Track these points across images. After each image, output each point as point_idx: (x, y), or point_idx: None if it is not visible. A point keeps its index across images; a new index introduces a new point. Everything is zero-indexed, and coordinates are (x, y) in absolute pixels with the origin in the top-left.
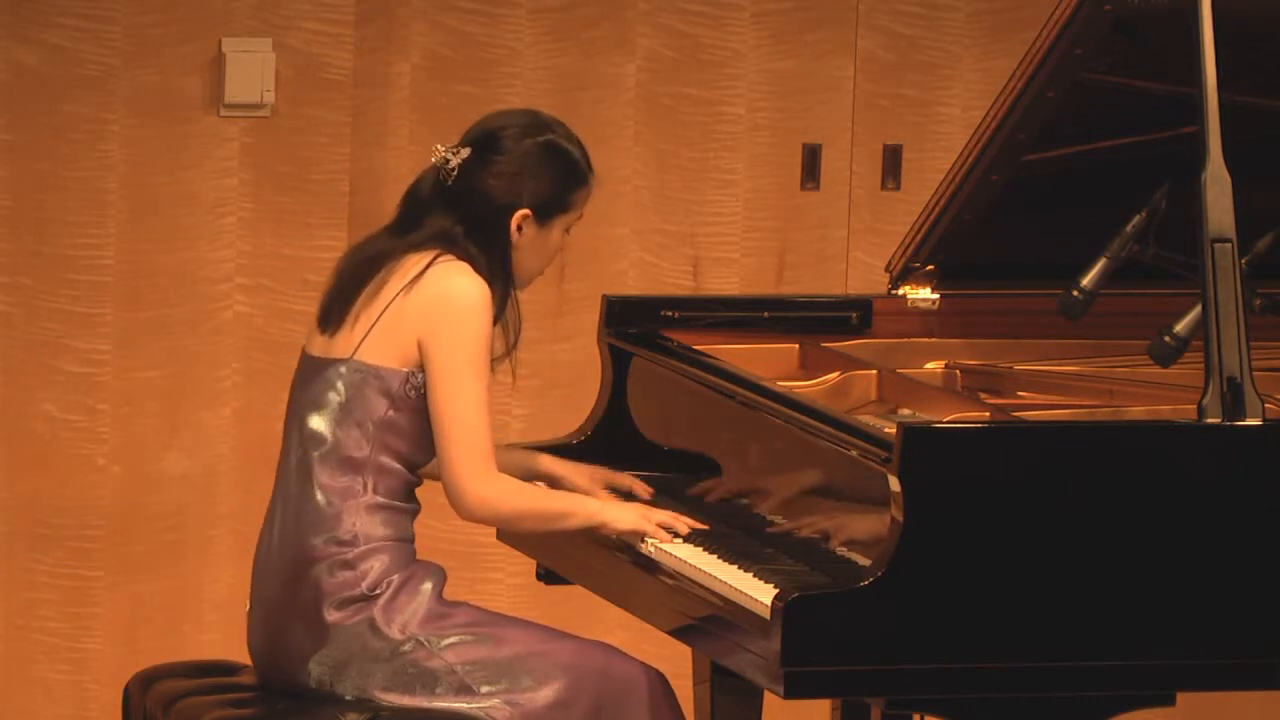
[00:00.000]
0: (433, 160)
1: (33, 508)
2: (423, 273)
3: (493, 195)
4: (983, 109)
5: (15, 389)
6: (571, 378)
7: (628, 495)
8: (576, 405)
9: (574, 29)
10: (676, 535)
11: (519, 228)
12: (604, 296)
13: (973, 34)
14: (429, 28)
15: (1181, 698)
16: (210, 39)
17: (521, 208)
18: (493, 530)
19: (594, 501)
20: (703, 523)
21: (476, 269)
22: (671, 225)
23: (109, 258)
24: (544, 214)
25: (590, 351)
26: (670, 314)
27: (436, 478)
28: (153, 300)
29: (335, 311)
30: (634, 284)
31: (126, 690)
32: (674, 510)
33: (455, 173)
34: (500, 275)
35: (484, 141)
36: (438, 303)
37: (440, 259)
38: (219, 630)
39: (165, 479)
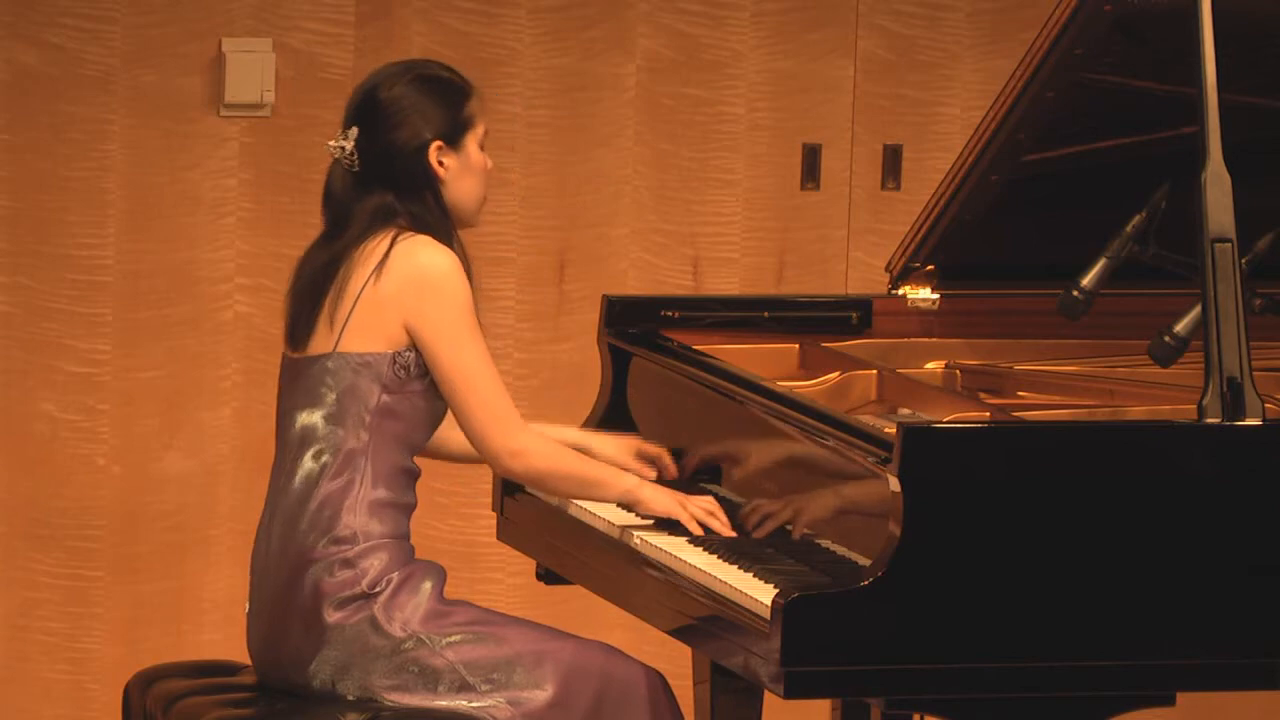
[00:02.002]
0: (332, 155)
1: (33, 508)
2: (386, 255)
3: (401, 145)
4: (983, 109)
5: (15, 389)
6: (571, 378)
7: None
8: (576, 405)
9: (574, 29)
10: (709, 530)
11: (439, 162)
12: (604, 296)
13: (973, 34)
14: (429, 28)
15: (1181, 698)
16: (210, 39)
17: (431, 141)
18: (493, 530)
19: (631, 477)
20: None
21: (432, 231)
22: (671, 225)
23: (109, 258)
24: (451, 136)
25: (590, 351)
26: (670, 314)
27: (446, 457)
28: (153, 300)
29: (304, 323)
30: (634, 284)
31: (126, 690)
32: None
33: (356, 154)
34: (443, 220)
35: (364, 110)
36: (413, 283)
37: (400, 238)
38: (219, 630)
39: (165, 479)
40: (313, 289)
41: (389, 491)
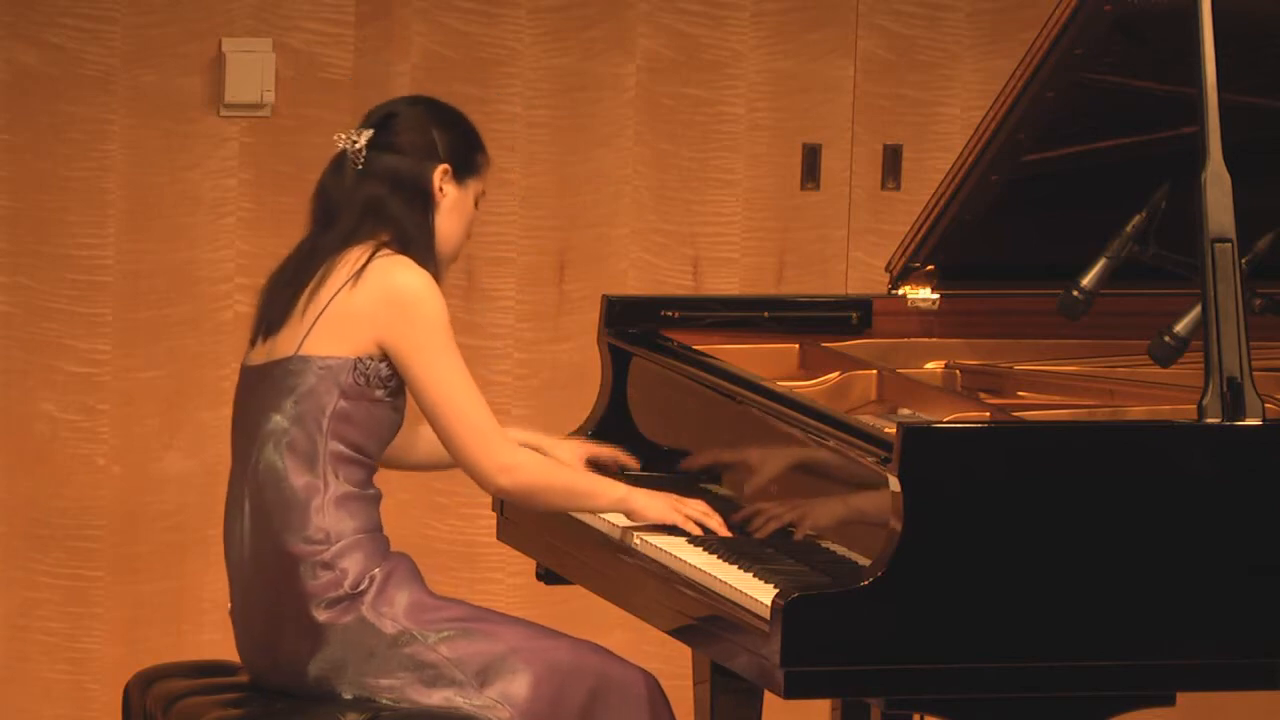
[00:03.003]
0: (340, 146)
1: (33, 508)
2: (365, 266)
3: (410, 149)
4: (983, 109)
5: (15, 389)
6: (571, 378)
7: (617, 471)
8: (576, 405)
9: (574, 29)
10: (708, 531)
11: (440, 188)
12: (604, 296)
13: (973, 34)
14: (429, 28)
15: (1181, 698)
16: (210, 39)
17: (440, 163)
18: (493, 530)
19: (622, 486)
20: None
21: (414, 247)
22: (671, 225)
23: (109, 258)
24: (460, 170)
25: (590, 351)
26: (670, 314)
27: (426, 468)
28: (153, 300)
29: (276, 317)
30: (634, 284)
31: (126, 690)
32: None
33: (363, 153)
34: (428, 237)
35: (385, 118)
36: (388, 302)
37: (380, 253)
38: (219, 630)
39: (165, 479)
40: (294, 279)
41: (351, 486)
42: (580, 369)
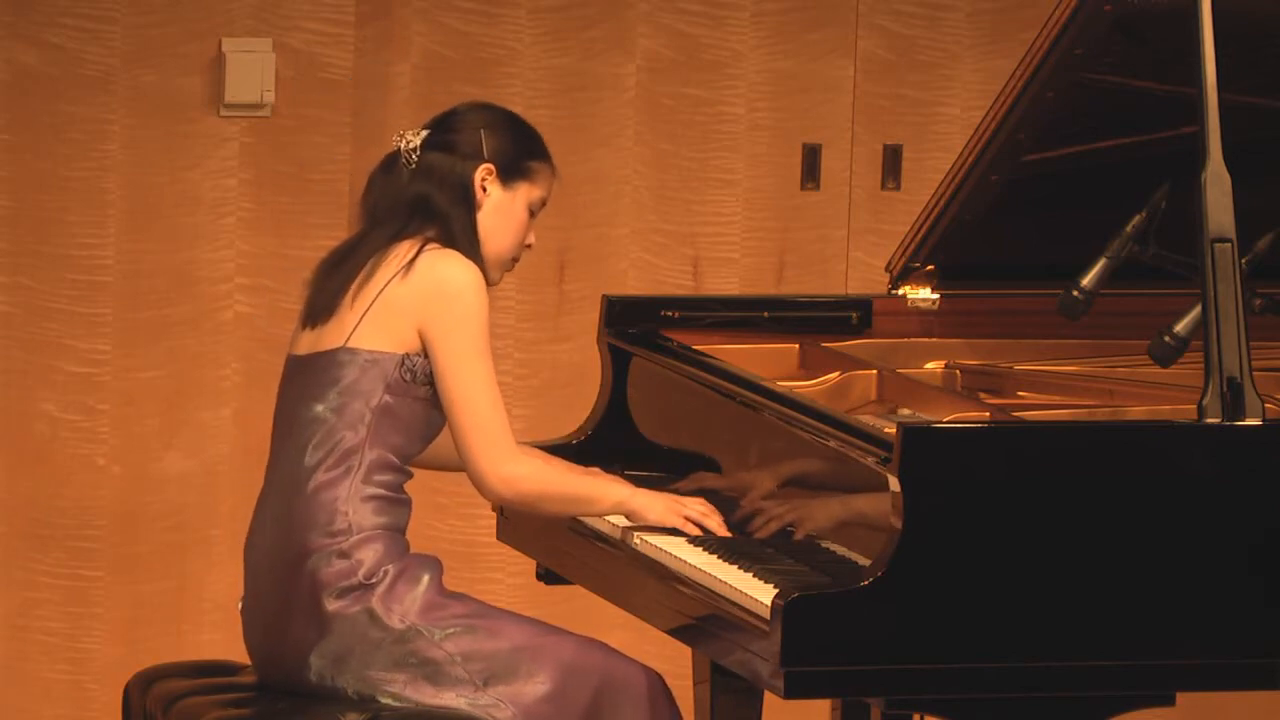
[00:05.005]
0: (395, 145)
1: (33, 508)
2: (414, 259)
3: (457, 148)
4: (983, 109)
5: (15, 389)
6: (571, 378)
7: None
8: (576, 405)
9: (574, 29)
10: (707, 531)
11: (483, 186)
12: (604, 296)
13: (973, 34)
14: (429, 28)
15: (1181, 698)
16: (210, 39)
17: (484, 161)
18: (493, 530)
19: (623, 488)
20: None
21: (458, 248)
22: (671, 225)
23: (109, 258)
24: (507, 171)
25: (590, 351)
26: (670, 314)
27: (436, 467)
28: (153, 300)
29: (324, 305)
30: (634, 284)
31: (126, 690)
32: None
33: (416, 152)
34: (472, 238)
35: (443, 119)
36: (433, 291)
37: (428, 247)
38: (219, 630)
39: (165, 479)
40: (342, 270)
41: (383, 488)
42: (580, 369)
